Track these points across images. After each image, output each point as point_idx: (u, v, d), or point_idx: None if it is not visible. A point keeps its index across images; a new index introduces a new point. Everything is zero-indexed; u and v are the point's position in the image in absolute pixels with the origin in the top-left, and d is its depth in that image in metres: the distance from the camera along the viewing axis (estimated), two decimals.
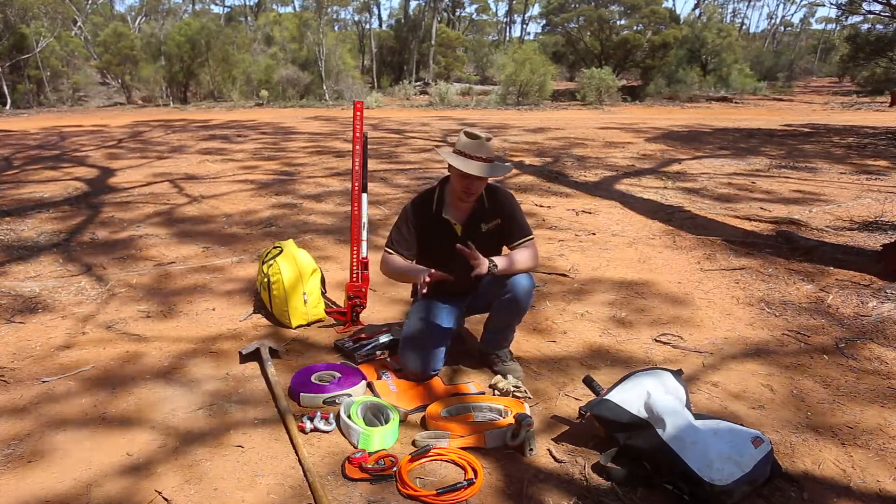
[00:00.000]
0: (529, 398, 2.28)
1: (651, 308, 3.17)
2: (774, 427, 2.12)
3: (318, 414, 2.12)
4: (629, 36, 23.36)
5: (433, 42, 30.39)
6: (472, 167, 2.25)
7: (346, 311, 2.90)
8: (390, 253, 2.47)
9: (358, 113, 2.81)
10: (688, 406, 1.95)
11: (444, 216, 2.43)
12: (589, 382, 2.17)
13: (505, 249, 2.49)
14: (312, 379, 2.33)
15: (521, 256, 2.38)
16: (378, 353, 2.62)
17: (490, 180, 2.44)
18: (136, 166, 7.41)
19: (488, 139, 2.32)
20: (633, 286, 3.47)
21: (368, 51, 31.38)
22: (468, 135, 2.32)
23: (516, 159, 7.89)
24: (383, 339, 2.67)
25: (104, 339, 2.81)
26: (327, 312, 3.01)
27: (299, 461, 1.92)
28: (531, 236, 2.45)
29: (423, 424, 2.11)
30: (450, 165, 2.33)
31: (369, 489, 1.81)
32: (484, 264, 2.23)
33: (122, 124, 12.61)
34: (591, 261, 3.91)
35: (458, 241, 2.41)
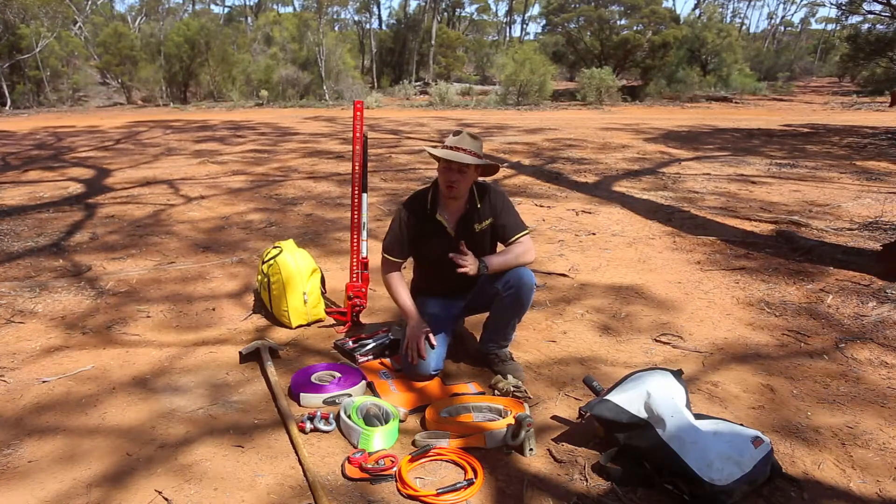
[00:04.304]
0: (529, 398, 2.28)
1: (651, 308, 3.17)
2: (774, 427, 2.12)
3: (318, 414, 2.12)
4: (629, 36, 23.34)
5: (433, 42, 30.39)
6: (444, 153, 2.31)
7: (346, 311, 2.90)
8: (391, 260, 2.51)
9: (358, 113, 2.81)
10: (688, 406, 1.95)
11: (438, 217, 2.44)
12: (589, 382, 2.17)
13: (500, 247, 2.49)
14: (312, 379, 2.33)
15: (516, 252, 2.39)
16: (378, 352, 2.62)
17: (480, 179, 2.46)
18: (134, 166, 7.41)
19: (473, 136, 2.36)
20: (633, 286, 3.46)
21: (368, 51, 31.38)
22: (454, 132, 2.38)
23: (515, 159, 7.88)
24: (383, 339, 2.67)
25: (104, 338, 2.81)
26: (327, 312, 3.01)
27: (299, 461, 1.92)
28: (526, 231, 2.45)
29: (423, 424, 2.11)
30: (438, 162, 2.37)
31: (369, 489, 1.81)
32: (472, 266, 2.27)
33: (121, 124, 12.60)
34: (591, 261, 3.91)
35: (451, 241, 2.42)
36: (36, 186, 6.23)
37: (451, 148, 2.32)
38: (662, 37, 23.07)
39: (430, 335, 2.39)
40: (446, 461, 1.93)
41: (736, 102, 20.32)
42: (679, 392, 1.97)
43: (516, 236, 2.42)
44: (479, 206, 2.43)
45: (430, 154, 2.38)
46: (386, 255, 2.52)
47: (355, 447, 1.98)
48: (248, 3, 40.64)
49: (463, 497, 1.76)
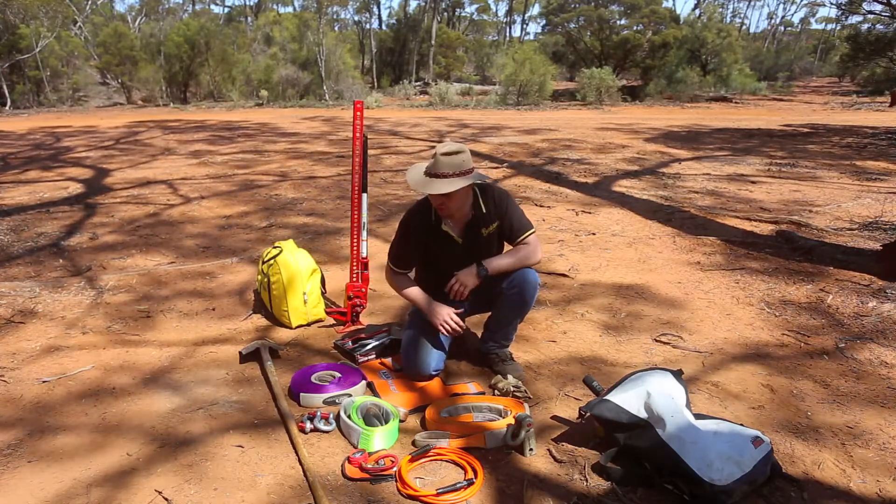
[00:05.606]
0: (529, 398, 2.28)
1: (651, 308, 3.17)
2: (774, 427, 2.12)
3: (318, 414, 2.12)
4: (629, 36, 23.34)
5: (433, 42, 30.39)
6: (422, 185, 2.28)
7: (346, 311, 2.90)
8: (397, 271, 2.49)
9: (358, 113, 2.81)
10: (688, 406, 1.95)
11: (444, 228, 2.40)
12: (589, 382, 2.17)
13: (507, 247, 2.48)
14: (312, 379, 2.33)
15: (520, 255, 2.37)
16: (378, 352, 2.62)
17: (480, 182, 2.43)
18: (134, 166, 7.41)
19: (449, 153, 2.24)
20: (633, 286, 3.46)
21: (368, 51, 31.39)
22: (433, 154, 2.31)
23: (515, 159, 7.89)
24: (383, 339, 2.67)
25: (104, 338, 2.81)
26: (327, 312, 3.01)
27: (299, 461, 1.92)
28: (531, 230, 2.42)
29: (423, 424, 2.11)
30: None
31: (369, 489, 1.81)
32: (468, 281, 2.32)
33: (121, 124, 12.60)
34: (591, 261, 3.91)
35: (458, 248, 2.41)
36: (36, 186, 6.23)
37: (431, 175, 2.26)
38: (662, 37, 23.07)
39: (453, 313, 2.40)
40: (446, 461, 1.93)
41: (736, 102, 20.31)
42: (679, 392, 1.98)
43: (523, 236, 2.40)
44: (484, 210, 2.38)
45: (413, 189, 2.39)
46: (391, 266, 2.49)
47: (355, 447, 1.98)
48: (248, 3, 40.65)
49: (463, 497, 1.76)
